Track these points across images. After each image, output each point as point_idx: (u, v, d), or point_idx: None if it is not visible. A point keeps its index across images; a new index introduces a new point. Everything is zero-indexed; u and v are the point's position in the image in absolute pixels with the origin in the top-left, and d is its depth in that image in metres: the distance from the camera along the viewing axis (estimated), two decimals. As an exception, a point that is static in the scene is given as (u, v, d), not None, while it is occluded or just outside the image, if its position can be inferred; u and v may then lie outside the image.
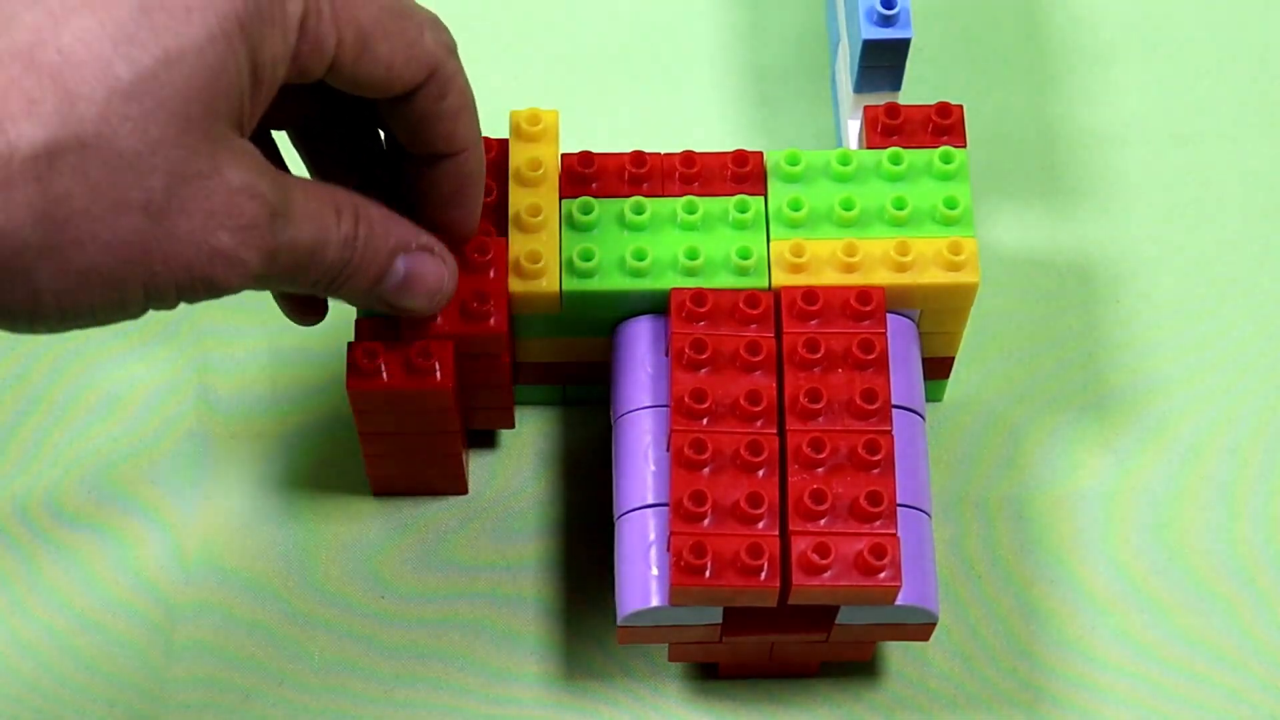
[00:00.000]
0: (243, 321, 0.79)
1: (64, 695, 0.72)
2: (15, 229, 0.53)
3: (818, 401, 0.67)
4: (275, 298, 0.69)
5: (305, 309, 0.69)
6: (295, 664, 0.73)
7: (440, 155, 0.66)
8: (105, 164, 0.54)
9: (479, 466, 0.77)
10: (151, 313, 0.79)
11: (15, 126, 0.53)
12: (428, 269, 0.66)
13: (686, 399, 0.67)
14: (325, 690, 0.73)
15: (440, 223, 0.67)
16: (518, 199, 0.71)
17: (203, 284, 0.57)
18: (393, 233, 0.64)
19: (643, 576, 0.67)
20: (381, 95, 0.63)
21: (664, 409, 0.69)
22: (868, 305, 0.69)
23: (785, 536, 0.66)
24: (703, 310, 0.69)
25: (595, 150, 0.72)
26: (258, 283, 0.59)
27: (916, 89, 0.83)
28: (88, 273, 0.55)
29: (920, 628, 0.68)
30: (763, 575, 0.65)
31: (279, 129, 0.68)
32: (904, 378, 0.70)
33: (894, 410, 0.68)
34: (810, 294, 0.69)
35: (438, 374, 0.69)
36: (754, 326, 0.69)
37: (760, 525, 0.66)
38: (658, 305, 0.71)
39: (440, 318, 0.69)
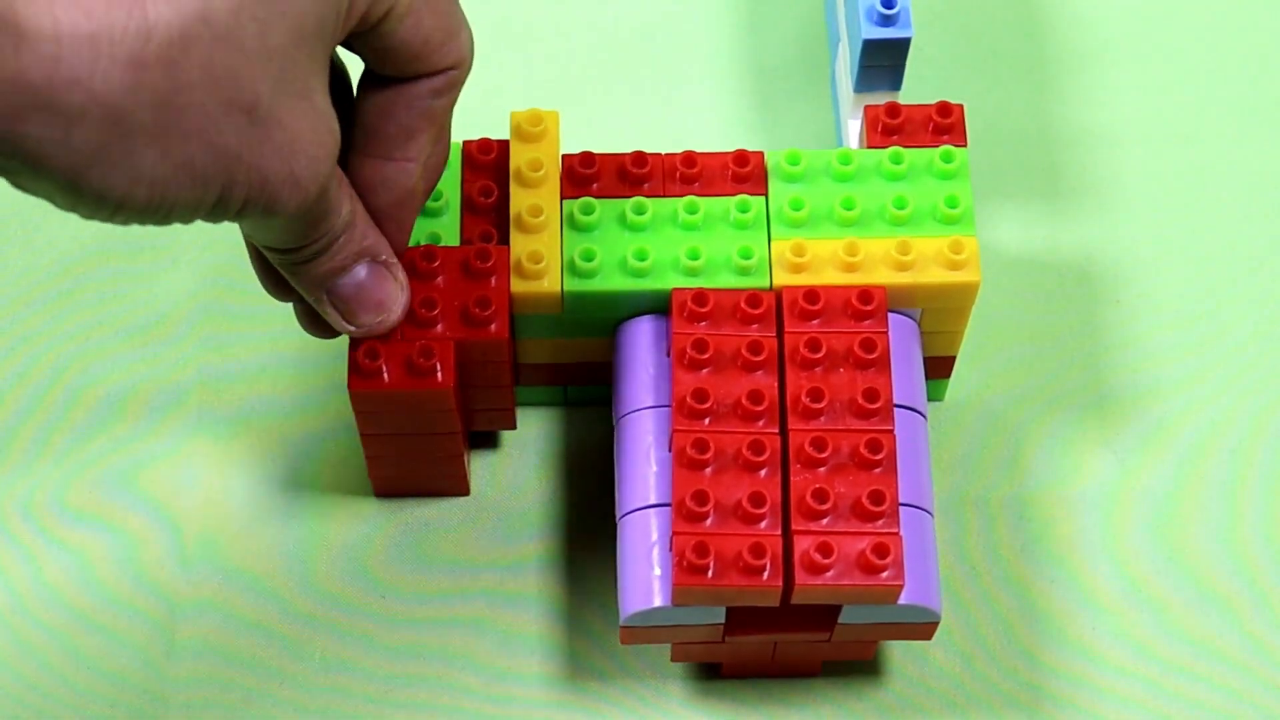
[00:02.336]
0: (244, 323, 0.79)
1: (65, 694, 0.72)
2: (136, 110, 0.54)
3: (820, 401, 0.67)
4: (260, 272, 0.69)
5: (284, 283, 0.69)
6: (296, 663, 0.73)
7: (391, 157, 0.66)
8: (228, 60, 0.55)
9: (480, 467, 0.77)
10: (154, 314, 0.79)
11: (155, 7, 0.53)
12: (384, 286, 0.67)
13: (688, 399, 0.67)
14: (326, 690, 0.73)
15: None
16: (519, 199, 0.71)
17: (266, 202, 0.58)
18: (369, 234, 0.65)
19: (645, 577, 0.67)
20: (400, 70, 0.63)
21: (666, 409, 0.69)
22: (869, 305, 0.69)
23: (788, 536, 0.66)
24: (704, 310, 0.69)
25: (596, 150, 0.72)
26: (292, 218, 0.60)
27: (916, 89, 0.83)
28: (185, 166, 0.55)
29: (923, 627, 0.68)
30: (765, 575, 0.65)
31: None
32: (905, 377, 0.70)
33: (895, 409, 0.69)
34: (812, 294, 0.69)
35: (439, 374, 0.69)
36: (755, 326, 0.69)
37: (763, 525, 0.66)
38: (659, 305, 0.71)
39: (441, 324, 0.69)
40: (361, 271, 0.66)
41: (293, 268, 0.65)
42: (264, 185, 0.58)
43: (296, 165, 0.58)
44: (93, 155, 0.54)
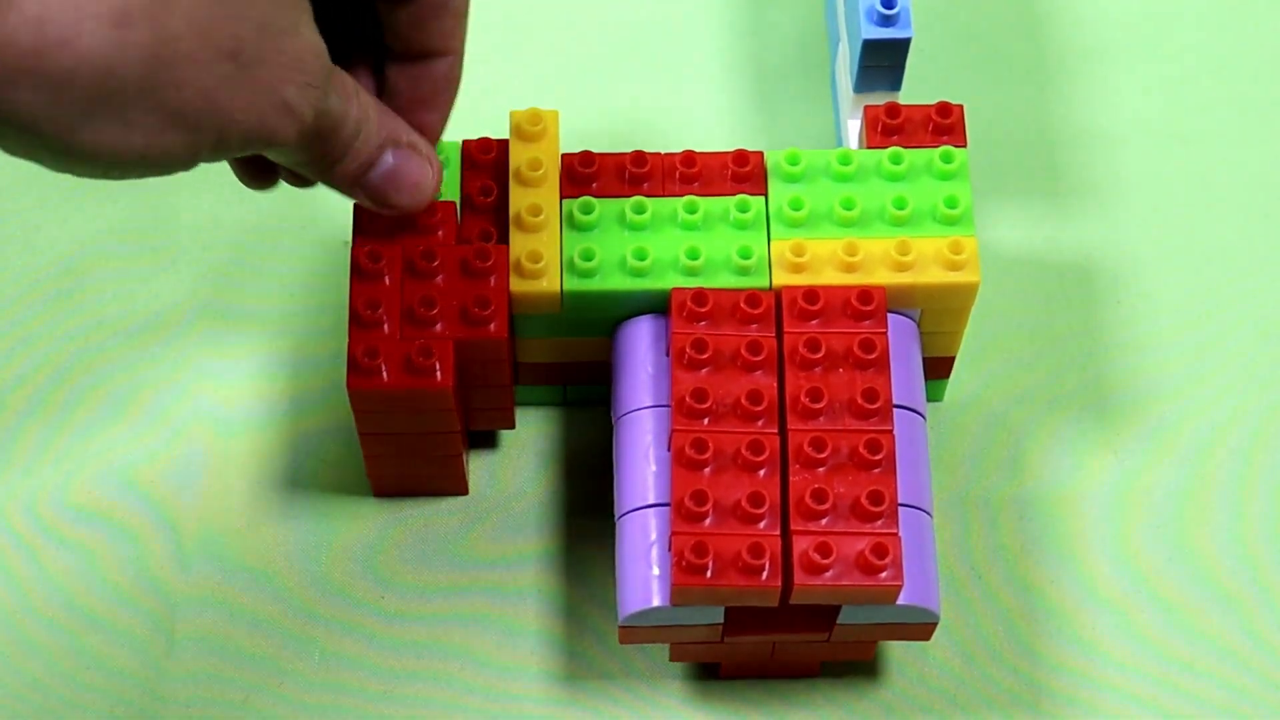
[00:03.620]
0: (244, 323, 0.79)
1: (66, 690, 0.73)
2: (125, 67, 0.54)
3: (819, 401, 0.67)
4: (233, 165, 0.69)
5: (260, 173, 0.69)
6: (297, 660, 0.73)
7: (428, 55, 0.67)
8: (211, 8, 0.55)
9: (480, 467, 0.77)
10: (156, 315, 0.79)
11: None
12: (412, 166, 0.67)
13: (688, 399, 0.67)
14: (326, 686, 0.73)
15: (411, 124, 0.68)
16: (518, 199, 0.71)
17: (263, 136, 0.59)
18: (385, 124, 0.66)
19: (644, 576, 0.67)
20: None
21: (665, 409, 0.69)
22: (869, 305, 0.69)
23: (787, 536, 0.66)
24: (703, 310, 0.69)
25: (595, 150, 0.72)
26: (295, 144, 0.60)
27: (916, 89, 0.83)
28: (176, 116, 0.56)
29: (921, 627, 0.68)
30: (764, 575, 0.65)
31: None
32: (905, 377, 0.70)
33: (895, 410, 0.69)
34: (811, 294, 0.69)
35: (438, 374, 0.69)
36: (755, 326, 0.69)
37: (762, 525, 0.66)
38: (658, 305, 0.71)
39: (441, 323, 0.69)
40: (389, 159, 0.66)
41: (320, 175, 0.65)
42: (261, 121, 0.58)
43: (288, 95, 0.59)
44: (83, 115, 0.54)
